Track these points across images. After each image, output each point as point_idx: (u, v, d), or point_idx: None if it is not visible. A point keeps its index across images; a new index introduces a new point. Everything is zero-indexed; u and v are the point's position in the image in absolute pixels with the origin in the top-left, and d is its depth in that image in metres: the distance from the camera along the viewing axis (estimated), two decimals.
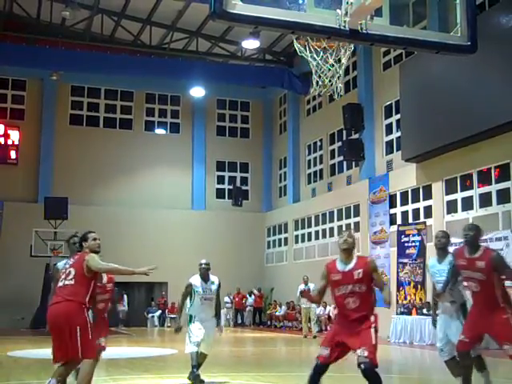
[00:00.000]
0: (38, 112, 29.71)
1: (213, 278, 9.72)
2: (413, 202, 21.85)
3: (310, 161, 29.48)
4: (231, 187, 31.99)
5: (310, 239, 28.37)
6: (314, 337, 21.18)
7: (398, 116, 22.39)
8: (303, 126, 29.97)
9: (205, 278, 9.65)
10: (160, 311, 29.39)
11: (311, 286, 21.90)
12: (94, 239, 7.12)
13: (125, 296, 28.19)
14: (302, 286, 21.78)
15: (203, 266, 9.71)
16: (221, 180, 32.43)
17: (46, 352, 14.75)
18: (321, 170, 28.44)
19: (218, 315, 9.82)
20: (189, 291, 9.56)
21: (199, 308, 9.50)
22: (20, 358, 14.01)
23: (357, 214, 24.87)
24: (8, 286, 26.47)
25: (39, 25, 27.31)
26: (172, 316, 28.86)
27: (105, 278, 8.15)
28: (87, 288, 6.71)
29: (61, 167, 29.13)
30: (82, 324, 6.49)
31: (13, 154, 28.89)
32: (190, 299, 9.59)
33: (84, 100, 30.89)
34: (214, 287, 9.67)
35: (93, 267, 6.75)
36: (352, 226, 25.23)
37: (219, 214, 31.01)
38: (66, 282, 6.71)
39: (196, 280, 9.60)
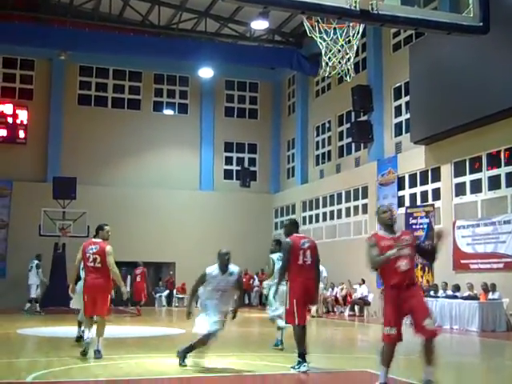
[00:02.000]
0: (47, 92, 29.71)
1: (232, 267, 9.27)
2: (421, 185, 21.81)
3: (318, 142, 29.41)
4: (239, 168, 31.99)
5: (317, 221, 28.38)
6: (313, 316, 21.45)
7: (408, 98, 22.29)
8: (312, 108, 29.86)
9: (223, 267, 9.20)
10: (168, 291, 29.52)
11: (321, 268, 21.97)
12: (107, 231, 10.20)
13: (128, 277, 28.30)
14: None
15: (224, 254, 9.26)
16: (229, 161, 32.41)
17: (54, 330, 14.90)
18: (329, 152, 28.38)
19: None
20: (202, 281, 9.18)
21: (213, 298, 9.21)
22: (29, 335, 14.13)
23: (365, 196, 24.85)
24: (17, 265, 26.61)
25: (47, 4, 27.24)
26: (180, 296, 29.02)
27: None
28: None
29: (69, 147, 29.18)
30: (109, 293, 10.11)
31: (21, 134, 28.92)
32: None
33: (92, 80, 30.85)
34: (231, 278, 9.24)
35: (108, 262, 9.87)
36: (360, 208, 25.25)
37: (227, 194, 31.03)
38: (96, 265, 9.84)
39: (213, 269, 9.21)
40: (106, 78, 30.98)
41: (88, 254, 9.92)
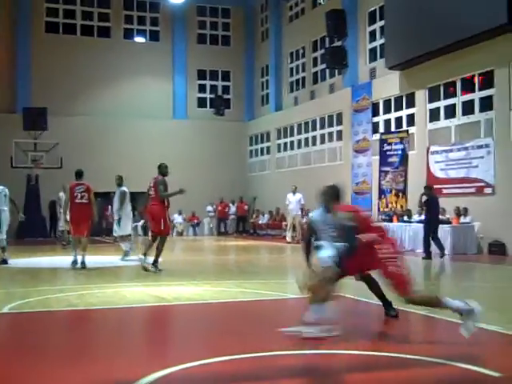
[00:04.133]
0: (12, 19, 28.80)
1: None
2: (396, 111, 21.79)
3: (292, 69, 29.11)
4: (213, 96, 31.65)
5: (292, 148, 28.37)
6: (288, 242, 22.06)
7: (382, 22, 22.00)
8: (285, 33, 29.40)
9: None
10: (143, 221, 29.53)
11: (299, 195, 22.30)
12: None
13: (109, 207, 28.25)
14: (290, 196, 22.24)
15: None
16: (202, 89, 32.04)
17: (30, 261, 14.90)
18: (303, 78, 28.14)
19: None
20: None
21: None
22: (4, 267, 14.09)
23: (339, 123, 24.82)
24: None
25: None
26: None
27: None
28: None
29: (39, 77, 28.52)
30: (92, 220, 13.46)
31: None
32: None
33: (59, 6, 29.97)
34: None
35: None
36: (334, 135, 25.25)
37: (201, 123, 30.79)
38: (83, 201, 13.11)
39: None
40: (73, 5, 30.10)
41: (76, 193, 13.10)
